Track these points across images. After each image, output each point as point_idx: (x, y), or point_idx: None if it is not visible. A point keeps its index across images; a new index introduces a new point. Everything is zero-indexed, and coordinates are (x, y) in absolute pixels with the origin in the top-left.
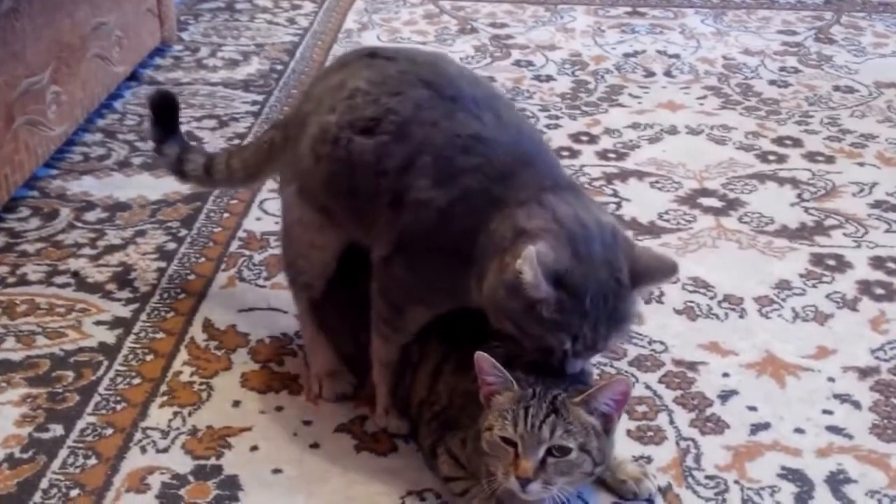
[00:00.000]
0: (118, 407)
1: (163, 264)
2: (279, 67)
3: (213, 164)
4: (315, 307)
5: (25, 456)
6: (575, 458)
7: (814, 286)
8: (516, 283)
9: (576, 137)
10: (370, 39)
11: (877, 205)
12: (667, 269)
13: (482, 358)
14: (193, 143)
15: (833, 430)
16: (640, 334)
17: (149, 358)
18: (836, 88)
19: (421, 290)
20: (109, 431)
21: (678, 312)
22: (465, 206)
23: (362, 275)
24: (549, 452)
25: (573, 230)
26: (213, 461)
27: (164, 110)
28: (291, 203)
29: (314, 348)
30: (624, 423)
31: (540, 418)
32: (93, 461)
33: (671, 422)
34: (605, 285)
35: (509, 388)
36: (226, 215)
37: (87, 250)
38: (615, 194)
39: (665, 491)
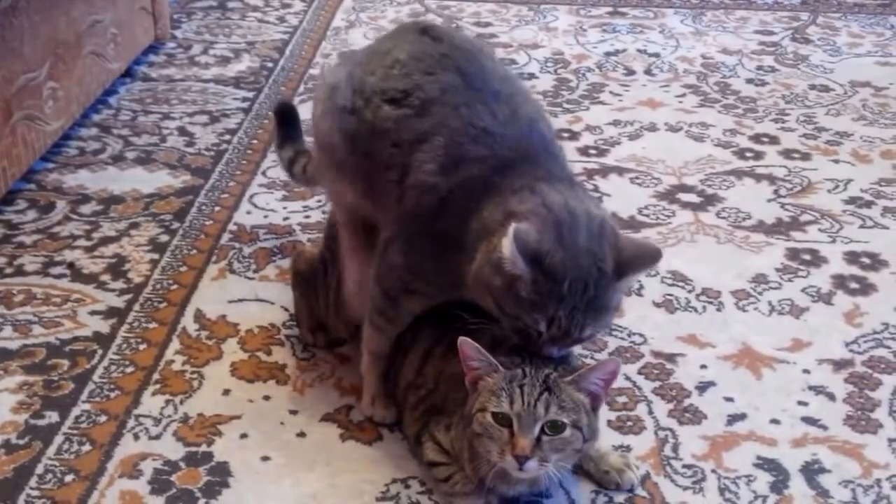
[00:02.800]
0: (112, 395)
1: (156, 256)
2: (269, 65)
3: (308, 163)
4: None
5: (21, 442)
6: (569, 434)
7: (789, 280)
8: (499, 260)
9: (558, 134)
10: (357, 37)
11: (851, 201)
12: (651, 256)
13: (465, 343)
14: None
15: (808, 420)
16: (620, 326)
17: (142, 347)
18: (812, 87)
19: (415, 278)
20: (103, 418)
21: (657, 305)
22: (464, 192)
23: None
24: (542, 430)
25: (560, 216)
26: (203, 448)
27: (287, 119)
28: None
29: (351, 256)
30: (604, 414)
31: (535, 396)
32: (87, 447)
33: (650, 412)
34: (587, 273)
35: (496, 370)
36: (217, 209)
37: (82, 242)
38: (596, 189)
39: (644, 479)
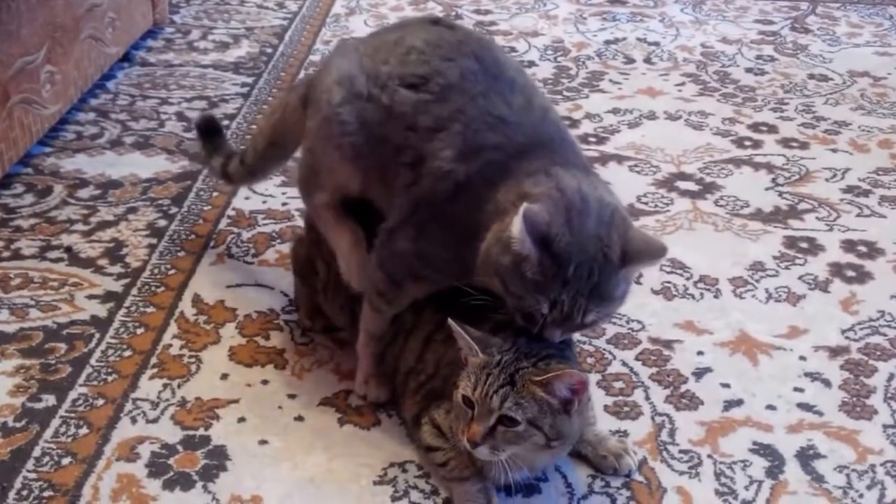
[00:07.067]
0: (109, 378)
1: (153, 241)
2: (268, 50)
3: (244, 153)
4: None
5: (19, 425)
6: (522, 430)
7: (787, 268)
8: (508, 239)
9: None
10: (357, 24)
11: (849, 190)
12: (656, 251)
13: (452, 324)
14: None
15: (804, 407)
16: (618, 313)
17: (139, 331)
18: (811, 77)
19: (423, 264)
20: (101, 402)
21: (655, 292)
22: (480, 179)
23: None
24: (499, 421)
25: (572, 200)
26: (201, 432)
27: (210, 130)
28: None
29: (339, 232)
30: (602, 399)
31: (494, 388)
32: (84, 431)
33: (647, 398)
34: (592, 259)
35: (475, 354)
36: (215, 194)
37: (79, 226)
38: None
39: (640, 464)
